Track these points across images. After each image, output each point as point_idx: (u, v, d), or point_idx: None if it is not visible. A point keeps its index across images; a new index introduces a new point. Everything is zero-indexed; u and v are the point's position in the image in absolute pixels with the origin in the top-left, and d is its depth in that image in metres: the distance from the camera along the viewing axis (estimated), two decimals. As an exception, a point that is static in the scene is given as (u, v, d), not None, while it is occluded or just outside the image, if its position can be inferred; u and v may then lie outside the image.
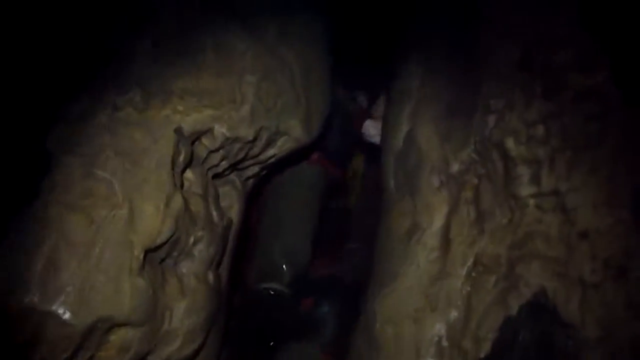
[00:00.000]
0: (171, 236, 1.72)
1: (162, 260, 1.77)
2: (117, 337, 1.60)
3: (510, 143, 2.11)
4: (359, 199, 3.64)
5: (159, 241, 1.69)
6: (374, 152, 3.36)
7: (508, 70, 2.21)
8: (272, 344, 2.76)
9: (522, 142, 2.08)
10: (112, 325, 1.57)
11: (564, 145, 2.01)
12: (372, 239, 2.57)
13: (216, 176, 2.05)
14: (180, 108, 1.86)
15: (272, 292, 2.72)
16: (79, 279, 1.53)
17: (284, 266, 2.78)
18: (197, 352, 1.84)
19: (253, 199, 2.43)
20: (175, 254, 1.80)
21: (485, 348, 2.00)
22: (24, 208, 1.62)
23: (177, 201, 1.74)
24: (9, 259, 1.54)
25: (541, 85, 2.11)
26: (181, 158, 1.82)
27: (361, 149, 3.45)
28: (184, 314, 1.75)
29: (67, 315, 1.48)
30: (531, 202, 2.04)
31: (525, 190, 2.05)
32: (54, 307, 1.48)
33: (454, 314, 2.07)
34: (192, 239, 1.82)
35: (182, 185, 1.84)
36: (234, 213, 2.09)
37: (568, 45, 2.03)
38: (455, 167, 2.24)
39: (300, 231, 2.92)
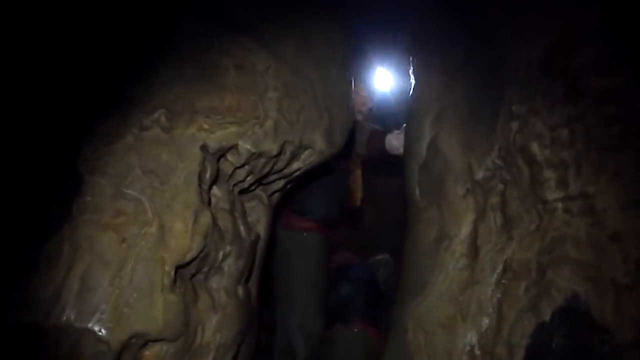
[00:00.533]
0: (200, 252, 1.74)
1: (193, 275, 1.79)
2: (152, 352, 1.62)
3: (535, 147, 2.10)
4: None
5: (189, 257, 1.71)
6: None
7: (529, 74, 2.21)
8: None
9: (547, 146, 2.07)
10: (147, 340, 1.60)
11: (589, 148, 2.00)
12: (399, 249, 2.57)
13: (242, 192, 2.08)
14: (205, 126, 1.89)
15: None
16: (113, 297, 1.56)
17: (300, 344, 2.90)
18: (229, 366, 1.85)
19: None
20: (205, 269, 1.82)
21: (519, 355, 1.98)
22: (57, 229, 1.65)
23: (206, 217, 1.77)
24: (45, 280, 1.57)
25: (563, 88, 2.10)
26: (207, 175, 1.85)
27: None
28: (216, 328, 1.77)
29: (102, 332, 1.51)
30: (559, 206, 2.02)
31: (553, 194, 2.04)
32: (89, 325, 1.51)
33: (485, 321, 2.06)
34: (221, 254, 1.84)
35: (209, 202, 1.87)
36: (261, 227, 2.11)
37: (589, 46, 2.02)
38: (480, 174, 2.23)
39: (312, 303, 3.03)
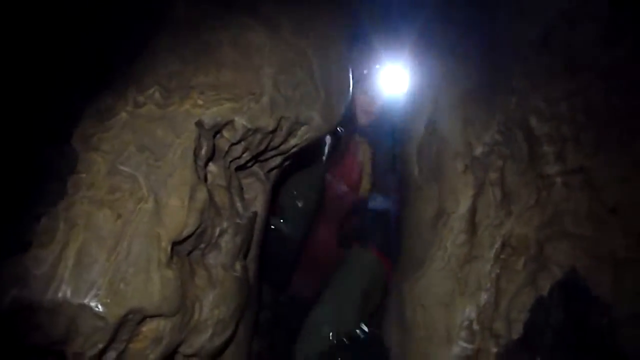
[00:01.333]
0: (197, 228, 1.73)
1: (190, 252, 1.78)
2: (149, 328, 1.62)
3: (534, 122, 2.08)
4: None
5: (185, 233, 1.70)
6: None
7: (529, 50, 2.18)
8: None
9: (546, 120, 2.05)
10: (144, 316, 1.59)
11: (589, 122, 1.98)
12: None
13: (239, 168, 2.06)
14: (200, 102, 1.87)
15: None
16: (109, 273, 1.55)
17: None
18: (228, 342, 1.85)
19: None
20: (202, 245, 1.81)
21: (517, 330, 1.98)
22: (52, 206, 1.64)
23: (202, 194, 1.76)
24: (40, 257, 1.56)
25: (564, 62, 2.08)
26: (203, 151, 1.83)
27: None
28: (213, 304, 1.76)
29: (99, 308, 1.50)
30: (558, 180, 2.01)
31: (552, 168, 2.02)
32: (86, 301, 1.51)
33: (484, 296, 2.06)
34: (217, 231, 1.83)
35: (205, 178, 1.85)
36: (259, 204, 2.10)
37: (590, 20, 1.99)
38: (479, 150, 2.22)
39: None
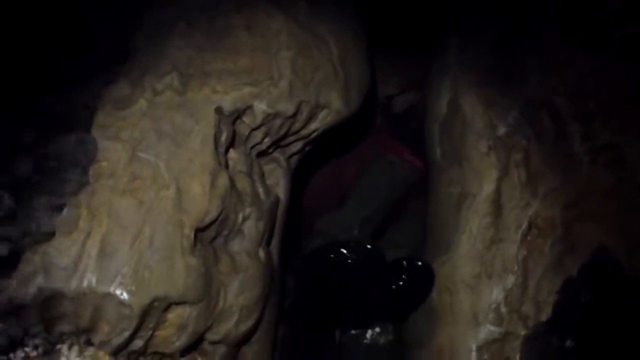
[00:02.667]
0: (219, 214, 1.71)
1: (213, 239, 1.77)
2: (175, 315, 1.60)
3: (558, 100, 2.04)
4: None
5: (207, 220, 1.68)
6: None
7: (550, 27, 2.14)
8: None
9: (571, 97, 2.01)
10: (169, 304, 1.58)
11: (616, 97, 1.94)
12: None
13: (260, 154, 2.04)
14: (218, 88, 1.85)
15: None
16: (133, 261, 1.54)
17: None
18: (254, 328, 1.83)
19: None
20: (225, 232, 1.79)
21: (547, 311, 1.95)
22: (73, 195, 1.63)
23: (223, 180, 1.74)
24: (64, 247, 1.56)
25: (586, 38, 2.04)
26: (223, 137, 1.81)
27: None
28: (238, 290, 1.74)
29: (124, 296, 1.49)
30: (585, 158, 1.97)
31: (578, 146, 1.99)
32: (111, 289, 1.50)
33: (511, 279, 2.02)
34: (240, 217, 1.81)
35: (226, 165, 1.83)
36: (281, 190, 2.07)
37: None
38: (502, 131, 2.18)
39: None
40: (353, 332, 2.60)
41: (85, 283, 1.50)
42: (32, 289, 1.49)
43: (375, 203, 2.82)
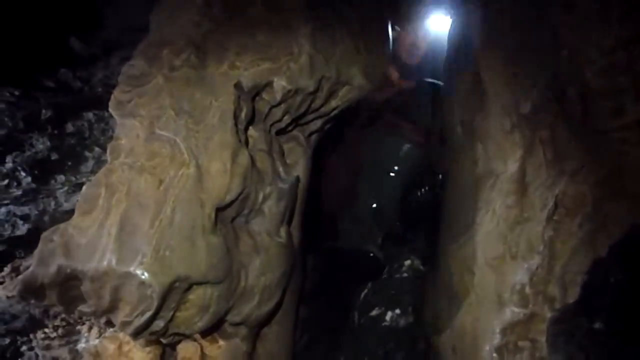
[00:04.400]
0: (240, 193, 1.68)
1: (234, 218, 1.74)
2: (196, 296, 1.58)
3: (588, 75, 1.96)
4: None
5: (228, 198, 1.65)
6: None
7: (580, -1, 2.05)
8: None
9: (602, 71, 1.93)
10: (191, 284, 1.55)
11: (650, 70, 1.86)
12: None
13: (280, 132, 2.00)
14: (237, 64, 1.81)
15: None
16: (154, 240, 1.50)
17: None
18: (275, 309, 1.81)
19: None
20: (245, 211, 1.76)
21: (573, 293, 1.90)
22: (92, 173, 1.60)
23: (243, 158, 1.70)
24: (83, 226, 1.53)
25: (617, 8, 1.95)
26: (243, 114, 1.77)
27: None
28: (259, 271, 1.71)
29: (145, 276, 1.46)
30: (615, 135, 1.90)
31: (608, 123, 1.91)
32: (132, 269, 1.46)
33: (536, 259, 1.96)
34: (261, 196, 1.78)
35: (246, 142, 1.79)
36: (300, 169, 2.04)
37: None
38: (527, 108, 2.11)
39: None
40: (372, 313, 2.57)
41: (105, 262, 1.47)
42: (51, 269, 1.47)
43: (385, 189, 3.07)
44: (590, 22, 1.99)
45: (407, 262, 2.81)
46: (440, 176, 2.85)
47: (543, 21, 2.15)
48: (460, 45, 2.42)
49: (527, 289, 1.97)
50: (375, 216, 3.15)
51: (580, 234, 1.91)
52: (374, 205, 3.20)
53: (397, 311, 2.51)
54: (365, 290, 2.74)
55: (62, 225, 1.50)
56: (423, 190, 3.04)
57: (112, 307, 1.50)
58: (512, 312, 1.97)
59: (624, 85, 1.87)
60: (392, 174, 3.21)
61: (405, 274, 2.73)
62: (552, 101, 2.07)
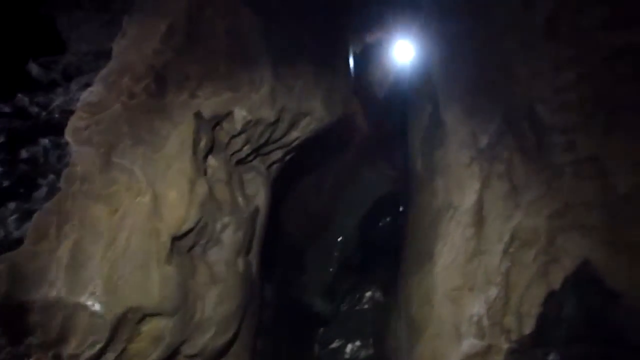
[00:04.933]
0: (197, 222, 1.66)
1: (191, 248, 1.71)
2: (149, 327, 1.54)
3: (541, 111, 2.03)
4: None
5: (185, 228, 1.62)
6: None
7: (534, 38, 2.13)
8: None
9: (554, 109, 1.99)
10: (143, 315, 1.51)
11: (599, 109, 1.93)
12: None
13: (240, 162, 1.99)
14: (198, 93, 1.81)
15: None
16: (106, 270, 1.47)
17: None
18: (231, 341, 1.77)
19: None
20: (203, 241, 1.73)
21: (529, 324, 1.92)
22: (44, 201, 1.56)
23: (202, 187, 1.68)
24: (32, 254, 1.48)
25: (570, 48, 2.03)
26: (203, 143, 1.76)
27: None
28: (216, 302, 1.68)
29: (96, 307, 1.42)
30: (568, 170, 1.95)
31: (561, 158, 1.97)
32: (82, 299, 1.43)
33: (493, 291, 1.99)
34: (219, 226, 1.76)
35: (205, 172, 1.78)
36: (260, 200, 2.02)
37: (599, 4, 1.94)
38: (484, 142, 2.16)
39: None
40: (333, 345, 2.55)
41: (54, 293, 1.43)
42: (-3, 298, 1.41)
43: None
44: (543, 61, 2.07)
45: (368, 294, 2.80)
46: (401, 208, 2.90)
47: (500, 56, 2.22)
48: (420, 79, 2.47)
49: (484, 321, 1.98)
50: (341, 247, 3.18)
51: (535, 266, 1.94)
52: (339, 239, 3.23)
53: (357, 343, 2.49)
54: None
55: (10, 254, 1.45)
56: (384, 221, 3.07)
57: (61, 339, 1.45)
58: (470, 343, 1.98)
59: (575, 122, 1.93)
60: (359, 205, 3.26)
61: (365, 306, 2.73)
62: (508, 135, 2.12)
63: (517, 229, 2.02)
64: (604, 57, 1.93)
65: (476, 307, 2.00)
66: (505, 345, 1.94)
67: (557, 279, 1.92)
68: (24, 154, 1.62)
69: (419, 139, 2.42)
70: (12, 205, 1.53)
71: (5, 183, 1.56)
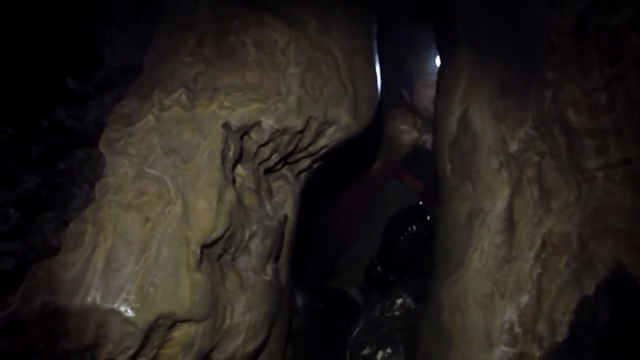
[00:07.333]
0: (226, 231, 1.69)
1: (220, 256, 1.74)
2: (180, 333, 1.58)
3: (571, 115, 2.00)
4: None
5: (214, 236, 1.66)
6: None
7: (562, 40, 2.11)
8: None
9: (584, 112, 1.97)
10: (175, 321, 1.55)
11: (630, 111, 1.89)
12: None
13: (268, 171, 2.02)
14: (226, 104, 1.85)
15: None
16: (139, 277, 1.51)
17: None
18: (261, 348, 1.80)
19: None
20: (232, 249, 1.77)
21: (562, 331, 1.89)
22: (79, 211, 1.62)
23: (230, 196, 1.72)
24: (68, 262, 1.54)
25: (599, 50, 2.00)
26: (231, 153, 1.80)
27: None
28: (245, 308, 1.71)
29: (129, 313, 1.47)
30: (600, 174, 1.92)
31: (592, 162, 1.94)
32: (115, 306, 1.47)
33: (525, 298, 1.97)
34: (247, 234, 1.79)
35: (234, 181, 1.82)
36: (289, 207, 2.05)
37: (628, 4, 1.91)
38: (514, 147, 2.14)
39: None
40: (364, 352, 2.55)
41: (89, 299, 1.48)
42: (35, 305, 1.47)
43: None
44: (572, 63, 2.04)
45: (399, 301, 2.79)
46: (429, 218, 2.94)
47: (528, 59, 2.20)
48: (447, 85, 2.47)
49: (516, 328, 1.96)
50: (371, 255, 3.19)
51: (567, 272, 1.92)
52: (370, 246, 3.25)
53: (388, 350, 2.49)
54: (357, 329, 2.72)
55: (47, 262, 1.51)
56: (412, 230, 3.08)
57: (96, 344, 1.50)
58: (501, 351, 1.96)
59: (606, 125, 1.90)
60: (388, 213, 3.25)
61: (397, 312, 2.72)
62: (538, 140, 2.10)
63: (548, 235, 2.00)
64: (634, 57, 1.89)
65: (508, 314, 1.98)
66: (538, 353, 1.91)
67: (590, 285, 1.88)
68: (61, 165, 1.68)
69: (448, 143, 2.42)
70: (50, 214, 1.58)
71: (44, 193, 1.61)
